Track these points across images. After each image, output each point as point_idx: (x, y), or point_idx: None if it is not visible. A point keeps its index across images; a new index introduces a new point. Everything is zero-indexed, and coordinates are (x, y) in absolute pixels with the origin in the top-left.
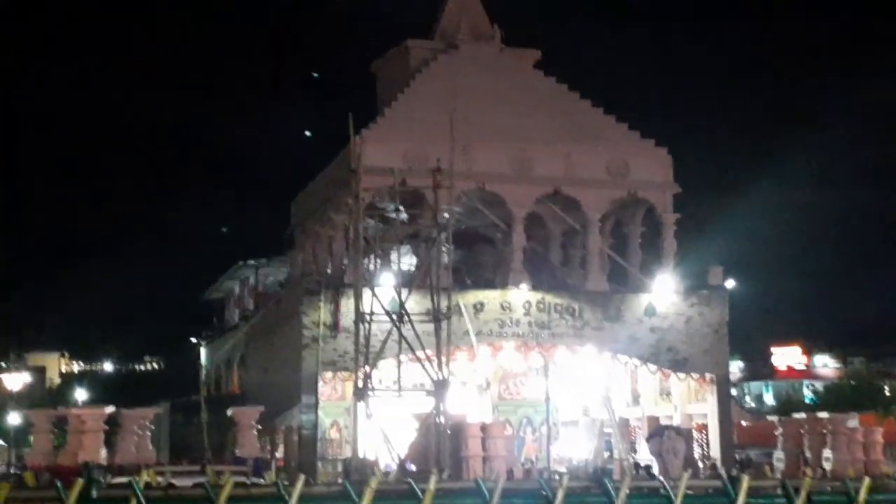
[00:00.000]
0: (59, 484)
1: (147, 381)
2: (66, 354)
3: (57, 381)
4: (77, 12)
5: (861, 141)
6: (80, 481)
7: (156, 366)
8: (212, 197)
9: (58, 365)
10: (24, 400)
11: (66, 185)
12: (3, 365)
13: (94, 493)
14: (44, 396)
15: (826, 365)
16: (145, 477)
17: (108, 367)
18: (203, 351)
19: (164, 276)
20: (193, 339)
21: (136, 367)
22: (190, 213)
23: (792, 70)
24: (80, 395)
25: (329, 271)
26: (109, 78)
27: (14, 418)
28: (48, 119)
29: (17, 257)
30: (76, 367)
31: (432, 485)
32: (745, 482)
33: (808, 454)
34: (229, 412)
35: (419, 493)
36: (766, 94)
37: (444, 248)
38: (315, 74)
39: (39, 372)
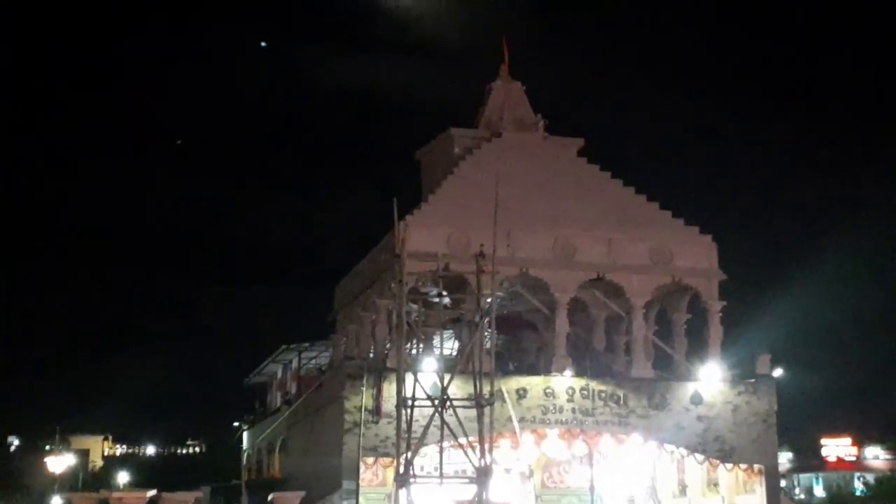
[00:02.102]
0: None
1: (189, 465)
2: (110, 437)
3: (100, 463)
4: (113, 94)
5: None
6: None
7: (198, 449)
8: (256, 283)
9: (101, 448)
10: (66, 482)
11: (110, 271)
12: (48, 448)
13: None
14: (86, 479)
15: (877, 457)
16: None
17: (150, 450)
18: (245, 435)
19: (208, 361)
20: (236, 423)
21: (179, 450)
22: (234, 299)
23: (843, 154)
24: (123, 477)
25: (371, 355)
26: (152, 162)
27: (56, 501)
28: (91, 206)
29: (62, 342)
30: (119, 450)
31: None
32: None
33: None
34: (270, 497)
35: None
36: (815, 180)
37: (486, 333)
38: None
39: (83, 455)
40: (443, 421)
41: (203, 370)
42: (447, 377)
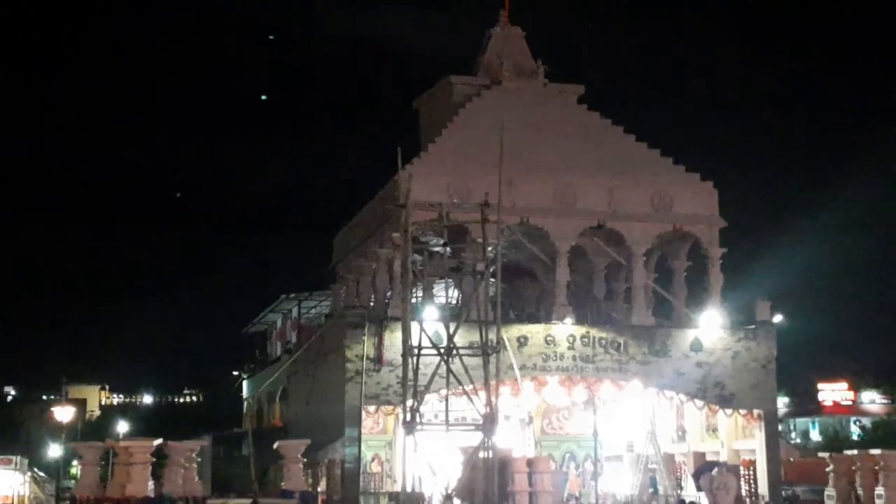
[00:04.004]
0: None
1: (187, 414)
2: (107, 387)
3: (97, 413)
4: (126, 49)
5: None
6: None
7: (195, 398)
8: (255, 233)
9: (98, 397)
10: (65, 433)
11: (107, 222)
12: (45, 398)
13: None
14: (84, 429)
15: (874, 401)
16: None
17: (147, 399)
18: (245, 384)
19: (205, 311)
20: (235, 372)
21: (176, 399)
22: (233, 249)
23: (842, 102)
24: (122, 427)
25: (372, 305)
26: (153, 117)
27: (55, 450)
28: (92, 161)
29: (59, 292)
30: (116, 399)
31: None
32: None
33: (859, 491)
34: (275, 445)
35: None
36: (815, 126)
37: (490, 282)
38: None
39: (80, 404)
40: (448, 369)
41: (200, 320)
42: (453, 326)
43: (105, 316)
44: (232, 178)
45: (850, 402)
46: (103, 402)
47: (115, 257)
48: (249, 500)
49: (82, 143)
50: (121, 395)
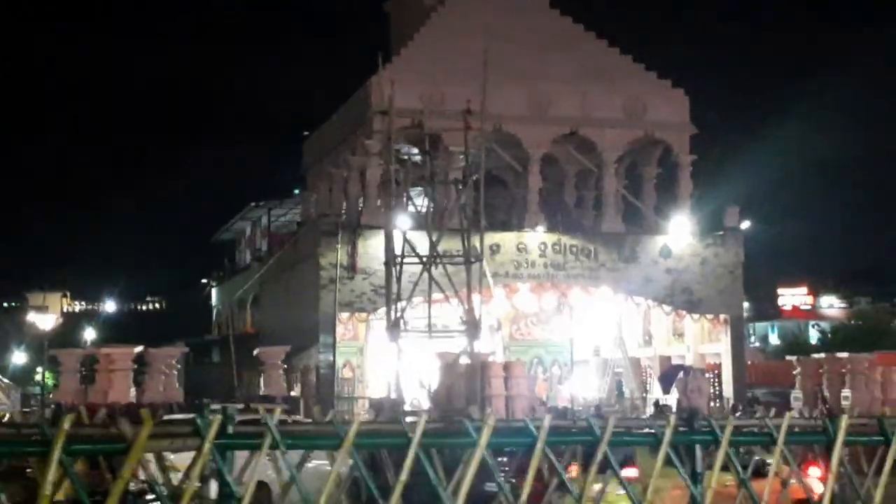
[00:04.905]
0: (198, 419)
1: (152, 322)
2: (68, 294)
3: (60, 320)
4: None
5: (880, 84)
6: (218, 417)
7: (157, 305)
8: (222, 139)
9: (60, 304)
10: (30, 340)
11: (74, 126)
12: (5, 305)
13: (230, 429)
14: (48, 336)
15: (832, 306)
16: (278, 413)
17: (109, 307)
18: (214, 291)
19: (170, 218)
20: (204, 280)
21: (139, 307)
22: (199, 156)
23: (812, 11)
24: (89, 334)
25: (344, 213)
26: (124, 25)
27: (19, 357)
28: (60, 67)
29: (20, 196)
30: (77, 306)
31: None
32: (844, 421)
33: (826, 393)
34: (255, 352)
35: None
36: (786, 34)
37: (464, 191)
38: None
39: (41, 312)
40: (430, 277)
41: (165, 227)
42: (435, 235)
43: (66, 222)
44: (200, 85)
45: (809, 307)
46: (66, 310)
47: (76, 162)
48: (241, 406)
49: (49, 48)
50: (83, 303)
